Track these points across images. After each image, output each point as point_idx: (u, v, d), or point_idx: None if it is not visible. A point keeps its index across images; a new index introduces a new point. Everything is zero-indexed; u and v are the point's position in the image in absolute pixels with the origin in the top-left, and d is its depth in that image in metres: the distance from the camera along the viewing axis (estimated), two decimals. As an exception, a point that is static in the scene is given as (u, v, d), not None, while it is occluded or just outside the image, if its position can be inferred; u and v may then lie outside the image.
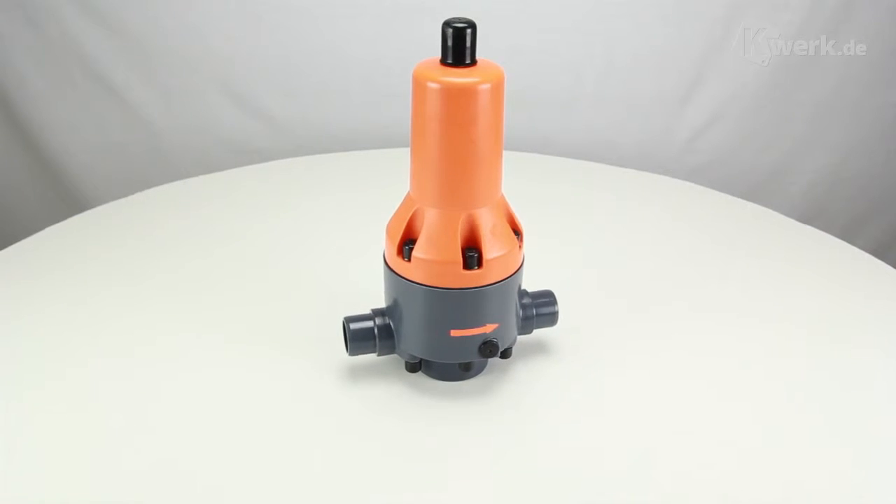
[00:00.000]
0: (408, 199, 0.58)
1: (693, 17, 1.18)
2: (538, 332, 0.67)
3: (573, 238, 0.88)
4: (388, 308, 0.61)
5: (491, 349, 0.59)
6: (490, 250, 0.56)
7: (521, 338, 0.68)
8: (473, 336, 0.58)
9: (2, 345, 0.67)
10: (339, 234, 0.86)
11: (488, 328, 0.58)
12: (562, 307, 0.73)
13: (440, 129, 0.53)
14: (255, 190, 0.98)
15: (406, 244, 0.57)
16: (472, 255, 0.55)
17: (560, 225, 0.91)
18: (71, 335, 0.68)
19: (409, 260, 0.56)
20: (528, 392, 0.63)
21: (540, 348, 0.68)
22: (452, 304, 0.57)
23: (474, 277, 0.56)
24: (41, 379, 0.63)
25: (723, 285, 0.79)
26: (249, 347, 0.67)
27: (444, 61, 0.53)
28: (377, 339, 0.60)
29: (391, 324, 0.60)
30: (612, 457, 0.56)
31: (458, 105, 0.52)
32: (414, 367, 0.63)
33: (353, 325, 0.60)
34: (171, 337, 0.68)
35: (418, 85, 0.53)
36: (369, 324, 0.60)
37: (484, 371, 0.65)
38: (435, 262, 0.55)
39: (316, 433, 0.58)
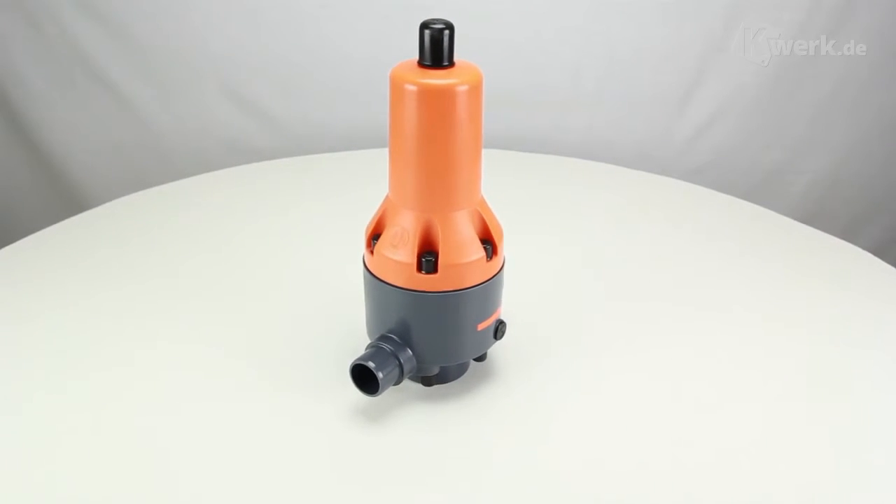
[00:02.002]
0: (402, 214, 0.55)
1: (693, 17, 1.18)
2: (540, 332, 0.67)
3: (572, 238, 0.88)
4: (395, 331, 0.58)
5: (503, 329, 0.60)
6: (498, 238, 0.57)
7: (523, 339, 0.68)
8: (492, 324, 0.59)
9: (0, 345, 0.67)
10: (339, 234, 0.86)
11: (499, 311, 0.60)
12: (560, 307, 0.73)
13: (432, 132, 0.52)
14: (255, 190, 0.98)
15: (424, 256, 0.55)
16: (486, 246, 0.56)
17: (559, 225, 0.91)
18: (70, 336, 0.68)
19: (435, 271, 0.55)
20: (529, 392, 0.63)
21: (539, 348, 0.68)
22: (479, 299, 0.57)
23: (491, 267, 0.57)
24: (39, 380, 0.63)
25: (722, 285, 0.79)
26: (250, 351, 0.67)
27: (421, 63, 0.52)
28: (402, 369, 0.57)
29: (408, 347, 0.57)
30: (612, 458, 0.56)
31: (435, 107, 0.51)
32: (430, 379, 0.61)
33: (372, 363, 0.55)
34: (171, 339, 0.68)
35: (395, 87, 0.52)
36: (386, 356, 0.56)
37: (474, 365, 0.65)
38: (465, 265, 0.55)
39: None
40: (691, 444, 0.58)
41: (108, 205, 0.93)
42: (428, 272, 0.55)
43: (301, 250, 0.83)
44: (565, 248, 0.85)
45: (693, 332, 0.71)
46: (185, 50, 1.19)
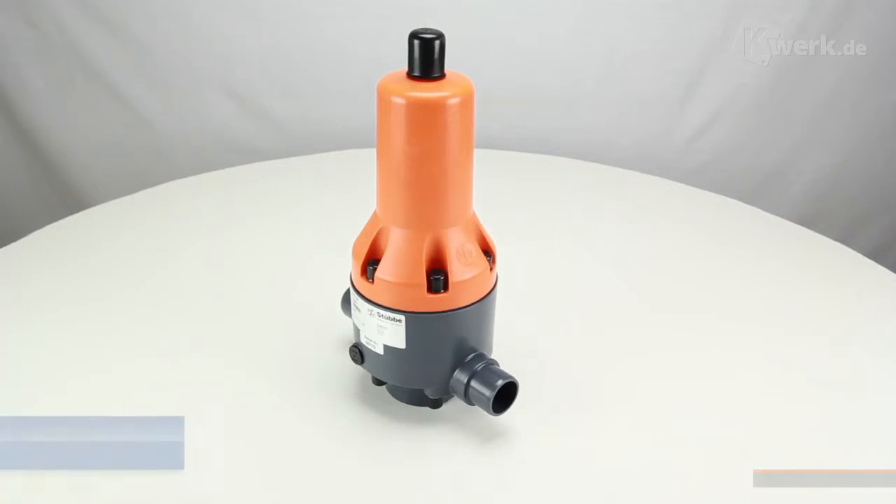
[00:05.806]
0: (445, 235, 0.52)
1: (693, 16, 1.18)
2: (538, 333, 0.67)
3: (571, 238, 0.88)
4: (469, 349, 0.55)
5: None
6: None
7: (523, 339, 0.68)
8: None
9: None
10: (339, 234, 0.86)
11: None
12: (558, 307, 0.72)
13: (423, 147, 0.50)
14: (255, 190, 0.98)
15: (487, 255, 0.55)
16: None
17: (559, 225, 0.91)
18: (69, 336, 0.68)
19: (495, 264, 0.56)
20: (531, 395, 0.63)
21: (538, 349, 0.68)
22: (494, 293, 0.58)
23: None
24: (39, 381, 0.62)
25: (720, 288, 0.79)
26: (248, 352, 0.67)
27: (410, 74, 0.50)
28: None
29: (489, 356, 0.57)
30: (613, 462, 0.56)
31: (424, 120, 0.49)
32: None
33: (501, 382, 0.54)
34: (170, 339, 0.68)
35: (383, 100, 0.49)
36: (498, 370, 0.55)
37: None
38: (494, 261, 0.57)
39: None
40: (689, 445, 0.58)
41: (107, 204, 0.93)
42: (491, 269, 0.55)
43: (301, 250, 0.83)
44: (565, 248, 0.85)
45: (691, 334, 0.71)
46: (185, 50, 1.19)
